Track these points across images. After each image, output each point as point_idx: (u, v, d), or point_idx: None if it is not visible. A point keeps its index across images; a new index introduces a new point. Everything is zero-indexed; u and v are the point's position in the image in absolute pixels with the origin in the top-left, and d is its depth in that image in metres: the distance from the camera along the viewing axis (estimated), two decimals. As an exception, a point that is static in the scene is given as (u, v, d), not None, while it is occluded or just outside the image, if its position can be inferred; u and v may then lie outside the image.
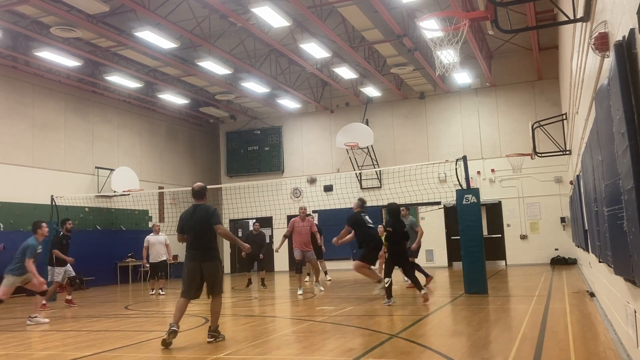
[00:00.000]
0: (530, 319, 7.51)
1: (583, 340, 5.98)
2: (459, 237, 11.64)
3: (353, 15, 14.33)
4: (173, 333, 6.50)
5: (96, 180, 19.80)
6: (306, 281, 17.04)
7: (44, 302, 11.84)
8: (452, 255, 20.43)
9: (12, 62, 16.53)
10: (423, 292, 9.82)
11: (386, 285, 9.71)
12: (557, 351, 5.44)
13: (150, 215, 21.98)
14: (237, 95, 21.57)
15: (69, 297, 12.38)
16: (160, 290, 14.52)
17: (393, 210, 10.24)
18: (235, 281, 18.74)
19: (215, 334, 6.75)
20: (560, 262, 18.90)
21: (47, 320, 9.67)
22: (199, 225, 6.90)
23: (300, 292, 12.51)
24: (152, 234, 14.84)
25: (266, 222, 23.12)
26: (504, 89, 20.65)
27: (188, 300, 6.88)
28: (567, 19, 7.36)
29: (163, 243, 14.61)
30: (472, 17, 7.73)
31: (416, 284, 10.12)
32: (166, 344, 6.45)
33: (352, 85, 21.25)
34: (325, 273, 16.16)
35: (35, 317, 9.55)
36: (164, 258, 14.56)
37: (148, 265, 14.88)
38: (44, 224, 10.01)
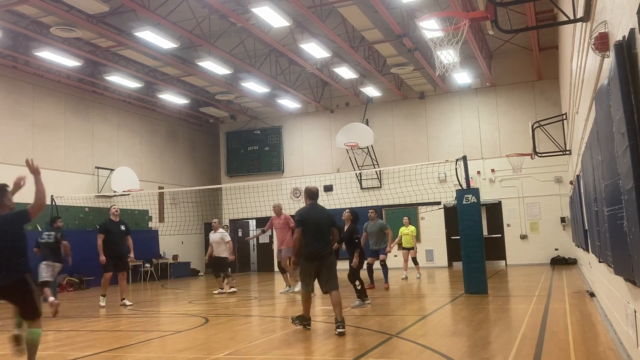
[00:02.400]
0: (530, 319, 7.51)
1: (583, 340, 5.98)
2: (459, 237, 11.65)
3: (353, 15, 14.33)
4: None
5: (96, 180, 19.80)
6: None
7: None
8: (452, 255, 20.42)
9: (12, 62, 16.52)
10: (368, 303, 9.60)
11: (358, 287, 9.62)
12: (557, 351, 5.44)
13: (150, 215, 21.98)
14: (237, 95, 21.57)
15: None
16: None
17: (355, 215, 10.31)
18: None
19: (342, 323, 6.94)
20: (560, 262, 18.90)
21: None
22: (325, 223, 7.45)
23: (282, 290, 12.95)
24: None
25: (266, 222, 23.10)
26: (504, 89, 20.65)
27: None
28: (567, 19, 7.36)
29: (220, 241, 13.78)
30: (472, 17, 7.73)
31: (362, 291, 9.75)
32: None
33: (352, 85, 21.25)
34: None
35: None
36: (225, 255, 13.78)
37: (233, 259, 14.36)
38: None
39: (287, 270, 12.93)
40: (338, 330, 6.86)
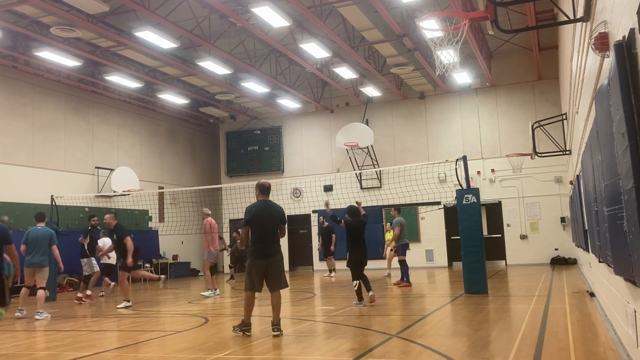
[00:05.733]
0: (530, 319, 7.51)
1: (583, 340, 5.98)
2: (459, 237, 11.65)
3: (353, 15, 14.33)
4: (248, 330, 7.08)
5: (96, 180, 19.80)
6: (326, 275, 18.05)
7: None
8: (452, 255, 20.43)
9: (12, 62, 16.52)
10: (362, 305, 9.43)
11: (355, 288, 9.54)
12: (557, 351, 5.44)
13: (150, 215, 21.98)
14: (237, 95, 21.56)
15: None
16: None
17: (352, 211, 10.06)
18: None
19: (277, 326, 6.97)
20: (560, 262, 18.90)
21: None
22: (273, 221, 7.17)
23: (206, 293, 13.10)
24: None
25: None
26: (504, 89, 20.65)
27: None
28: (567, 19, 7.36)
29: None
30: (472, 17, 7.74)
31: (358, 293, 9.59)
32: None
33: (352, 85, 21.24)
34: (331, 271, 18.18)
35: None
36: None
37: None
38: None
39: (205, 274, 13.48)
40: (274, 333, 6.92)
